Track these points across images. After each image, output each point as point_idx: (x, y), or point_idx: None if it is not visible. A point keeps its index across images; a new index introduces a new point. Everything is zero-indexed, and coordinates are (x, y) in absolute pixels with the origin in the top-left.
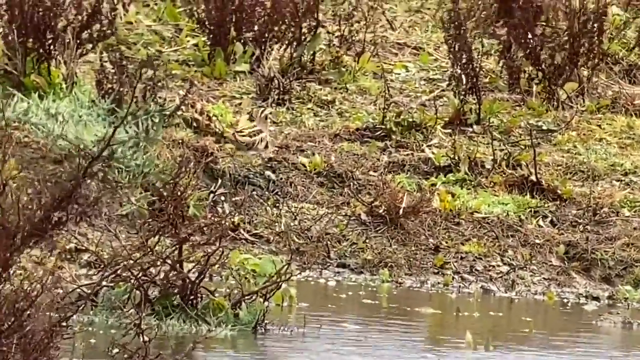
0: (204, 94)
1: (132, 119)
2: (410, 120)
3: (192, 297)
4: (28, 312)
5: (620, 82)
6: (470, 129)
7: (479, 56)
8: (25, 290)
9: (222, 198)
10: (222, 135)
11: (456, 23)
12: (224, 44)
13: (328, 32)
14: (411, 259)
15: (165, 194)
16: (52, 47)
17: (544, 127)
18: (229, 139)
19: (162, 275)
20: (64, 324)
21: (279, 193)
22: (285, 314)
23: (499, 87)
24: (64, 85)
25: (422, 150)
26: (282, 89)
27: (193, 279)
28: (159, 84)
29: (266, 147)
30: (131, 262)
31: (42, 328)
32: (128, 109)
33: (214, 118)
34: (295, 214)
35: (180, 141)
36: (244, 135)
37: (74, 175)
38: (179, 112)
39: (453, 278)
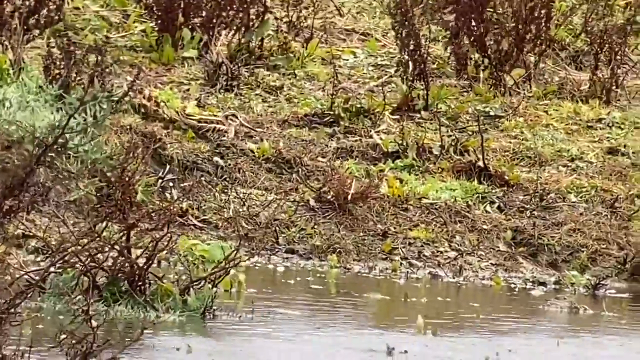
0: (152, 80)
1: (80, 105)
2: (359, 106)
3: (140, 283)
4: None
5: (567, 68)
6: (418, 115)
7: (427, 42)
8: None
9: (171, 184)
10: (171, 121)
11: (403, 9)
12: (171, 29)
13: (276, 18)
14: (359, 245)
15: (113, 179)
16: None
17: (492, 113)
18: (188, 125)
19: (110, 261)
20: (12, 310)
21: (228, 179)
22: (233, 299)
23: (447, 73)
24: (11, 71)
25: (370, 136)
26: (230, 75)
27: (141, 264)
28: (107, 69)
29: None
30: (79, 248)
31: None
32: (84, 96)
33: (161, 104)
34: (243, 199)
35: (128, 127)
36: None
37: (26, 163)
38: (127, 98)
39: (401, 264)
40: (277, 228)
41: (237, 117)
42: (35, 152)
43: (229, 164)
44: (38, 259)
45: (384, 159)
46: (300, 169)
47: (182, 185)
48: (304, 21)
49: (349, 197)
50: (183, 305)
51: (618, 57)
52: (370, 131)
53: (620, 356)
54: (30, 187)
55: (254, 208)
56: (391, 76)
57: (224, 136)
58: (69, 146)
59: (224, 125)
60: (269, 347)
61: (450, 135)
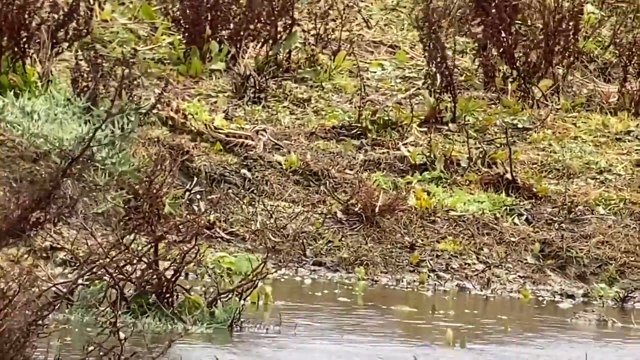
0: (180, 93)
1: (106, 118)
2: (386, 118)
3: (167, 295)
4: (4, 311)
5: (595, 80)
6: (446, 127)
7: (454, 54)
8: (1, 289)
9: (198, 196)
10: (198, 134)
11: (431, 21)
12: (199, 42)
13: (304, 31)
14: (387, 257)
15: (141, 192)
16: (27, 45)
17: (519, 125)
18: (217, 138)
19: (137, 273)
20: (40, 322)
21: (255, 191)
22: (261, 312)
23: (475, 86)
24: (39, 84)
25: (398, 149)
26: (258, 88)
27: (169, 277)
28: (135, 82)
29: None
30: (107, 260)
31: (18, 327)
32: (110, 110)
33: (189, 116)
34: (271, 212)
35: (155, 139)
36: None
37: (52, 176)
38: (155, 111)
39: (429, 276)
40: (304, 240)
41: (266, 132)
42: (62, 165)
43: (257, 177)
44: (66, 271)
45: (412, 171)
46: (327, 181)
47: (209, 197)
48: (331, 33)
49: (377, 209)
50: (210, 317)
51: None
52: (398, 143)
53: None
54: (57, 199)
55: (281, 220)
56: (419, 88)
57: (252, 150)
58: (97, 158)
59: (253, 140)
60: (296, 359)
61: (478, 148)
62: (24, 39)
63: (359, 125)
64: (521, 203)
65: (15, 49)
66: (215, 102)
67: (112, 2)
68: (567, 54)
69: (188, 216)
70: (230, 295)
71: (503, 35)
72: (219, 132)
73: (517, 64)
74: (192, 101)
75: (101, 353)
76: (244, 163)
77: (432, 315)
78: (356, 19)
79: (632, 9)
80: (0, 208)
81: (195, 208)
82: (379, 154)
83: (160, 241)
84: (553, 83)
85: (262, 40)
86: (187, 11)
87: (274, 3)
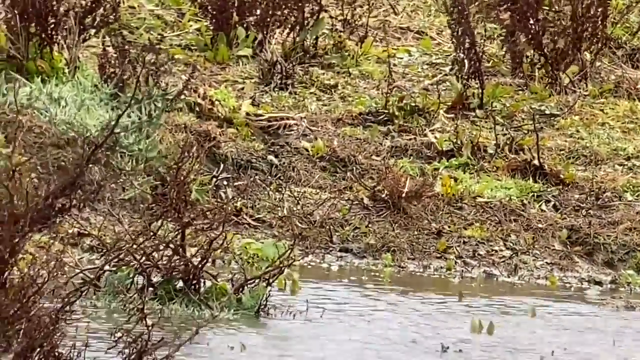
0: (207, 79)
1: (135, 104)
2: (413, 104)
3: (194, 281)
4: (33, 297)
5: (623, 66)
6: (473, 114)
7: (482, 40)
8: (31, 276)
9: (225, 182)
10: (225, 120)
11: (459, 7)
12: (226, 28)
13: (331, 17)
14: (414, 244)
15: (168, 178)
16: (54, 31)
17: (547, 112)
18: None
19: (164, 259)
20: (68, 309)
21: (282, 177)
22: (288, 298)
23: (502, 72)
24: (66, 70)
25: (425, 135)
26: (284, 74)
27: (196, 263)
28: (162, 68)
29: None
30: (134, 246)
31: (46, 313)
32: (136, 95)
33: (216, 102)
34: (297, 198)
35: (183, 126)
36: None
37: (77, 162)
38: (182, 97)
39: (456, 262)
40: (331, 227)
41: (304, 121)
42: (87, 151)
43: (283, 163)
44: (93, 257)
45: (439, 158)
46: (354, 168)
47: (236, 184)
48: (358, 19)
49: (403, 195)
50: (237, 303)
51: None
52: (425, 130)
53: None
54: (83, 185)
55: (308, 207)
56: (446, 74)
57: (293, 131)
58: (124, 144)
59: (294, 119)
60: (323, 345)
61: (505, 134)
62: (52, 25)
63: (386, 111)
64: (548, 189)
65: (43, 35)
66: (242, 88)
67: None
68: (595, 40)
69: (215, 202)
70: (257, 282)
71: (531, 21)
72: (260, 117)
73: (545, 50)
74: (219, 87)
75: (129, 339)
76: (271, 149)
77: (460, 302)
78: (383, 4)
79: None
80: (29, 195)
81: (222, 194)
82: (406, 140)
83: (187, 227)
84: (581, 69)
85: (289, 26)
86: None
87: None
